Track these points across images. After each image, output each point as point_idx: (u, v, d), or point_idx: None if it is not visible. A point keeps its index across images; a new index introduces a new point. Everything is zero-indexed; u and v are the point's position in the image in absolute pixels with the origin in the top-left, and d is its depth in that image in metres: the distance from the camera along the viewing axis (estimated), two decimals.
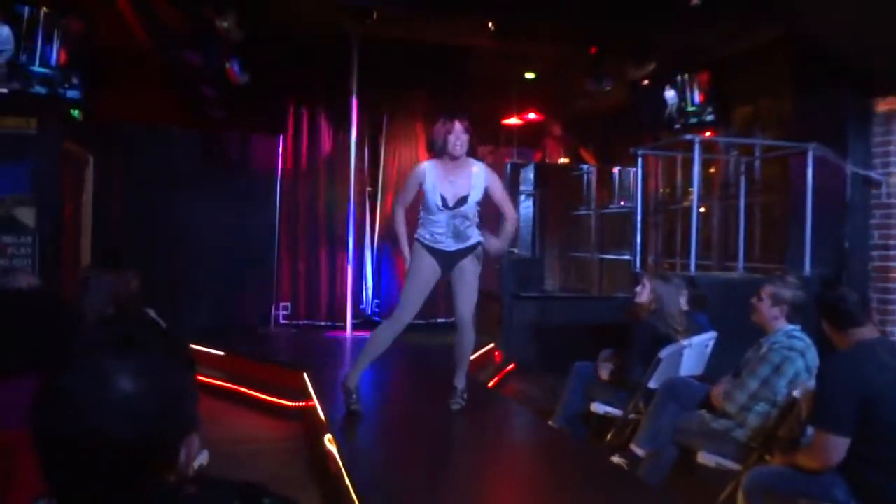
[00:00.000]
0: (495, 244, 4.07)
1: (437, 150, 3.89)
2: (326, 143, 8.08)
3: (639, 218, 6.36)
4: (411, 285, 3.99)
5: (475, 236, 4.00)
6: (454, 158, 3.85)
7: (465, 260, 3.98)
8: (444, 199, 3.85)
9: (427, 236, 3.95)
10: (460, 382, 4.18)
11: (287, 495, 1.02)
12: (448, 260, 3.97)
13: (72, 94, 5.67)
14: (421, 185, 3.89)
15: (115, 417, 0.90)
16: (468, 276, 3.99)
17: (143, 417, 0.92)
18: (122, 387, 0.92)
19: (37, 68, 5.43)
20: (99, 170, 6.97)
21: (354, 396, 4.07)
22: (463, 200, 3.86)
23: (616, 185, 8.77)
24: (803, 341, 3.31)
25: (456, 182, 3.87)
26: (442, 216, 3.88)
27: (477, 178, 3.90)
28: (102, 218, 6.99)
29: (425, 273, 3.97)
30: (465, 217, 3.90)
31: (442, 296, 8.31)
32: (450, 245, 3.94)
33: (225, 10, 6.20)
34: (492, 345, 6.90)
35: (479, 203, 3.94)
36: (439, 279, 4.03)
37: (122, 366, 0.93)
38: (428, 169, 3.90)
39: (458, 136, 3.81)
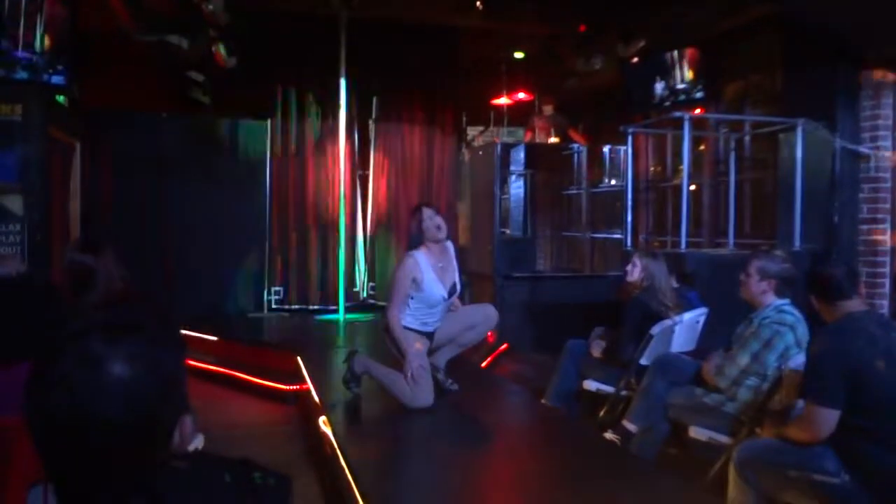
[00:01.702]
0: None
1: (418, 241, 3.92)
2: (316, 127, 8.03)
3: (629, 196, 6.38)
4: (415, 364, 3.81)
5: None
6: (438, 242, 3.92)
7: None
8: (444, 289, 3.91)
9: (417, 325, 3.95)
10: (442, 362, 4.19)
11: (277, 470, 1.03)
12: (431, 334, 4.06)
13: (56, 79, 5.60)
14: (415, 279, 3.86)
15: (109, 401, 0.91)
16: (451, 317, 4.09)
17: (137, 400, 0.92)
18: (115, 370, 0.92)
19: (20, 53, 5.36)
20: (86, 156, 6.91)
21: (358, 384, 4.12)
22: (454, 287, 3.99)
23: (606, 163, 8.76)
24: (793, 315, 3.34)
25: (444, 269, 3.95)
26: (439, 306, 3.94)
27: (454, 258, 4.05)
28: (91, 205, 6.94)
29: (420, 349, 3.93)
30: (453, 300, 4.04)
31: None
32: (436, 324, 4.03)
33: None
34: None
35: None
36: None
37: (115, 349, 0.94)
38: (421, 260, 3.89)
39: (431, 219, 3.88)
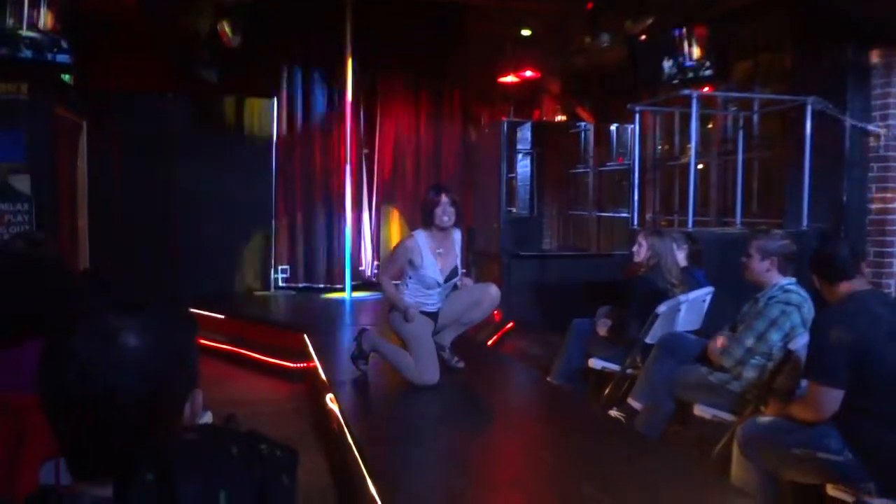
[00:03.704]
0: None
1: (426, 222, 3.99)
2: (321, 106, 8.00)
3: (636, 175, 6.34)
4: (418, 347, 3.93)
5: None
6: (443, 229, 3.97)
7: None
8: (441, 273, 3.97)
9: (412, 301, 4.00)
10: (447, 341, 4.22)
11: (283, 442, 1.05)
12: (433, 315, 4.08)
13: (61, 58, 5.59)
14: (412, 261, 3.95)
15: (122, 374, 0.92)
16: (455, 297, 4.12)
17: (149, 373, 0.94)
18: (128, 343, 0.93)
19: (24, 32, 5.35)
20: (92, 136, 6.92)
21: (366, 361, 4.16)
22: (454, 272, 4.03)
23: (614, 142, 8.72)
24: (799, 295, 3.33)
25: (444, 255, 4.00)
26: (435, 290, 4.00)
27: (458, 245, 4.10)
28: (98, 184, 6.96)
29: (422, 328, 3.98)
30: (453, 285, 4.07)
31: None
32: (436, 305, 4.07)
33: None
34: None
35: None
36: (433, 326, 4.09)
37: (127, 323, 0.95)
38: (421, 243, 3.96)
39: (444, 208, 3.92)
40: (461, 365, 4.16)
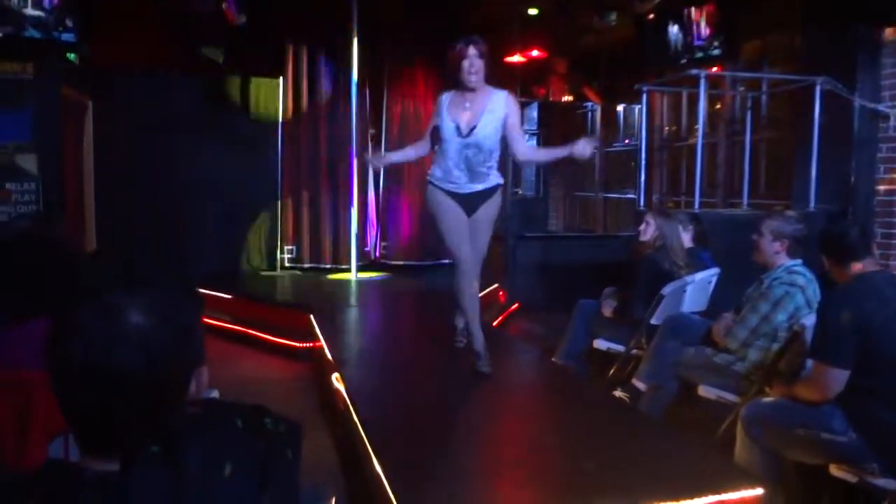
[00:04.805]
0: (584, 147, 3.55)
1: (452, 80, 3.56)
2: (327, 85, 7.96)
3: (643, 156, 6.32)
4: (447, 234, 3.66)
5: (494, 177, 3.68)
6: (470, 86, 3.51)
7: (481, 208, 3.68)
8: (457, 126, 3.53)
9: (438, 174, 3.65)
10: (478, 341, 3.75)
11: (288, 417, 1.06)
12: (465, 203, 3.67)
13: (66, 37, 5.58)
14: (439, 114, 3.62)
15: (129, 350, 0.93)
16: (485, 221, 3.72)
17: (154, 350, 0.95)
18: (134, 320, 0.94)
19: (29, 11, 5.33)
20: (98, 115, 6.91)
21: (460, 336, 4.05)
22: (476, 128, 3.52)
23: (621, 122, 8.67)
24: (804, 276, 3.32)
25: (471, 110, 3.54)
26: (454, 145, 3.55)
27: (494, 103, 3.54)
28: (104, 164, 6.97)
29: (448, 209, 3.63)
30: (479, 148, 3.53)
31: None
32: (463, 183, 3.62)
33: None
34: (496, 285, 6.95)
35: (497, 134, 3.57)
36: (467, 220, 3.69)
37: (133, 300, 0.96)
38: (444, 100, 3.63)
39: (472, 61, 3.44)
40: (487, 370, 3.70)
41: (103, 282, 0.99)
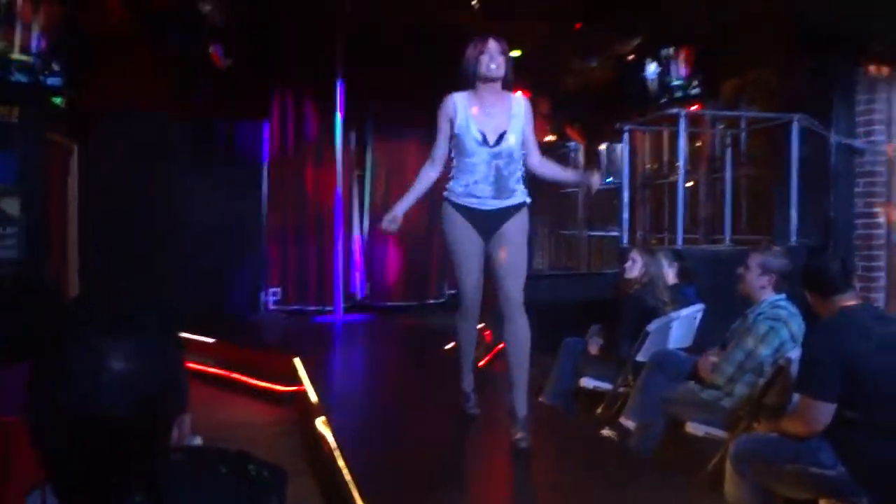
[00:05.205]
0: (591, 179, 3.16)
1: (469, 77, 3.11)
2: (313, 127, 8.04)
3: (626, 194, 6.38)
4: (456, 261, 3.19)
5: (520, 192, 3.16)
6: (490, 81, 3.07)
7: (506, 224, 3.11)
8: (483, 134, 3.05)
9: (459, 189, 3.12)
10: (521, 405, 3.14)
11: (273, 463, 1.05)
12: (485, 223, 3.12)
13: (52, 81, 5.61)
14: (452, 121, 3.11)
15: (111, 397, 0.92)
16: (512, 242, 3.11)
17: (136, 397, 0.94)
18: (117, 366, 0.93)
19: (16, 55, 5.36)
20: (84, 157, 6.91)
21: (471, 401, 3.59)
22: (505, 135, 3.07)
23: (604, 161, 8.78)
24: (788, 310, 3.35)
25: (494, 113, 3.08)
26: (481, 156, 3.05)
27: (517, 107, 3.12)
28: (89, 206, 6.94)
29: (463, 235, 3.14)
30: (511, 158, 3.07)
31: (435, 271, 8.41)
32: (487, 199, 3.09)
33: None
34: (482, 324, 6.93)
35: (522, 144, 3.13)
36: (484, 248, 3.17)
37: (116, 346, 0.95)
38: (458, 99, 3.12)
39: (493, 56, 3.06)
40: (523, 444, 3.07)
41: (86, 326, 0.98)
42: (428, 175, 3.28)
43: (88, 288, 6.66)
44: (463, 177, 3.12)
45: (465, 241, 3.15)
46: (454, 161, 3.18)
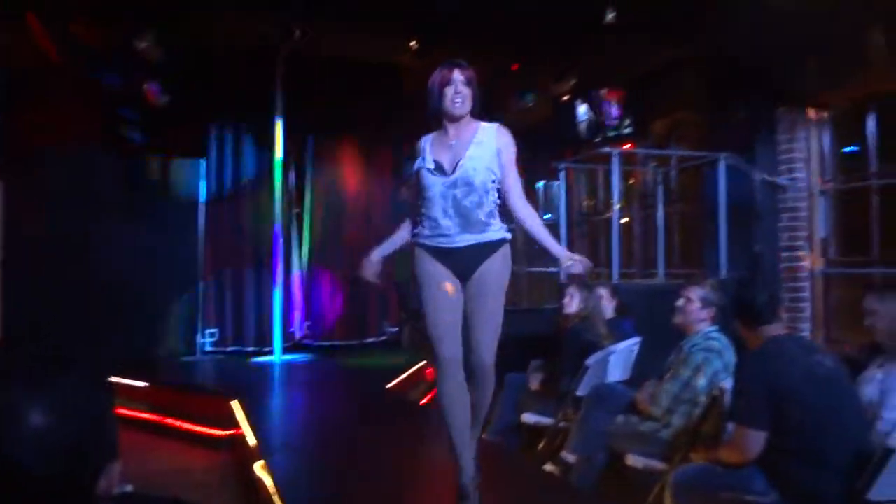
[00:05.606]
0: (576, 266, 2.86)
1: (433, 111, 2.84)
2: (251, 164, 7.95)
3: (563, 230, 6.50)
4: (428, 307, 2.80)
5: (495, 227, 2.81)
6: (454, 119, 2.80)
7: (484, 266, 2.77)
8: (437, 163, 2.78)
9: (427, 232, 2.81)
10: (469, 461, 2.88)
11: None
12: (459, 263, 2.78)
13: None
14: (417, 168, 2.87)
15: (25, 452, 0.88)
16: (490, 291, 2.79)
17: (56, 450, 0.90)
18: (33, 422, 0.90)
19: None
20: (10, 193, 6.66)
21: (471, 500, 2.86)
22: (461, 163, 2.76)
23: (541, 198, 8.94)
24: (720, 342, 3.45)
25: (455, 143, 2.80)
26: (437, 188, 2.76)
27: (483, 135, 2.81)
28: (14, 246, 6.67)
29: (435, 283, 2.79)
30: (469, 186, 2.73)
31: (375, 308, 8.34)
32: (455, 235, 2.75)
33: (144, 29, 6.07)
34: (423, 362, 6.90)
35: (491, 171, 2.77)
36: (461, 292, 2.80)
37: (32, 399, 0.91)
38: (423, 142, 2.88)
39: (457, 88, 2.77)
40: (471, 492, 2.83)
41: (5, 379, 0.94)
42: (407, 223, 2.96)
43: (10, 337, 6.36)
44: (426, 216, 2.81)
45: (438, 294, 2.79)
46: (419, 204, 2.86)
